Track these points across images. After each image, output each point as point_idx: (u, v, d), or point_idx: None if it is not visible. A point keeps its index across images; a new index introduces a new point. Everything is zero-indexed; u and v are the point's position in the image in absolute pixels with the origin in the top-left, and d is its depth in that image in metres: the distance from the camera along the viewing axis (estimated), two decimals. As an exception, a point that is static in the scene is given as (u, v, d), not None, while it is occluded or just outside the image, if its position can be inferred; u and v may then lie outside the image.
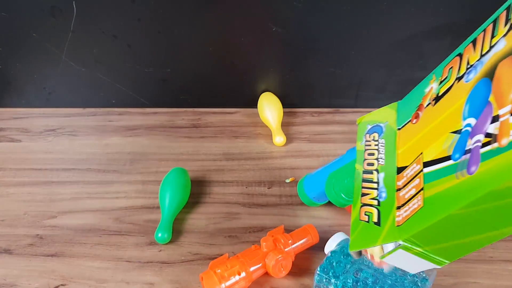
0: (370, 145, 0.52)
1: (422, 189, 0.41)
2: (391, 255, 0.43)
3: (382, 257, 0.43)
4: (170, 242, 0.61)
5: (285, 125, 0.81)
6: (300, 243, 0.58)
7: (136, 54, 0.79)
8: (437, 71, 0.51)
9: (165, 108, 0.86)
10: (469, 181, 0.37)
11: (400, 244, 0.41)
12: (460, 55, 0.46)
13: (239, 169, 0.73)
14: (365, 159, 0.51)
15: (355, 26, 0.75)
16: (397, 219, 0.42)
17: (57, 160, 0.75)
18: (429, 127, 0.46)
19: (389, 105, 0.57)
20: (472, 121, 0.39)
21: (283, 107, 0.82)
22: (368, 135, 0.54)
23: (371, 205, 0.46)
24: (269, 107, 0.81)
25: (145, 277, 0.57)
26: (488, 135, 0.36)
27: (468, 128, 0.40)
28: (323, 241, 0.58)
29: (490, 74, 0.39)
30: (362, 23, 0.75)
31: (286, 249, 0.56)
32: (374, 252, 0.47)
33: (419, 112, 0.49)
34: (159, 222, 0.63)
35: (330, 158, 0.73)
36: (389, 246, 0.43)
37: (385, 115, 0.55)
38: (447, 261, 0.42)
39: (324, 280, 0.52)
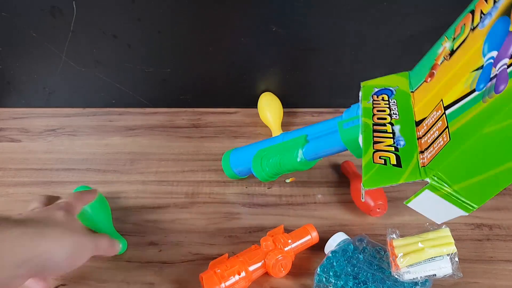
0: (379, 104, 0.51)
1: (446, 127, 0.40)
2: (416, 198, 0.40)
3: (407, 201, 0.42)
4: (170, 242, 0.61)
5: (285, 125, 0.81)
6: (300, 243, 0.58)
7: (136, 54, 0.79)
8: (448, 33, 0.50)
9: (165, 108, 0.86)
10: (498, 98, 0.35)
11: (427, 183, 0.39)
12: (472, 11, 0.46)
13: (239, 169, 0.73)
14: (375, 115, 0.50)
15: (355, 26, 0.75)
16: (421, 161, 0.41)
17: (57, 160, 0.75)
18: (447, 77, 0.44)
19: (398, 73, 0.56)
20: (493, 54, 0.38)
21: (283, 107, 0.82)
22: (375, 95, 0.53)
23: (387, 151, 0.44)
24: (269, 107, 0.81)
25: (145, 277, 0.57)
26: None
27: (491, 61, 0.38)
28: (323, 241, 0.58)
29: (507, 12, 0.39)
30: (362, 23, 0.75)
31: (286, 249, 0.56)
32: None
33: (433, 71, 0.48)
34: (159, 222, 0.63)
35: (330, 158, 0.73)
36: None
37: (395, 81, 0.55)
38: (475, 205, 0.40)
39: (324, 280, 0.52)
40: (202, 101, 0.86)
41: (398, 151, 0.44)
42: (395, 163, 0.43)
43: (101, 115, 0.85)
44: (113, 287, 0.55)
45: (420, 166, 0.40)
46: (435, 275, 0.49)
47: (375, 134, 0.47)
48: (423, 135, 0.43)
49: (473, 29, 0.45)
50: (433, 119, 0.43)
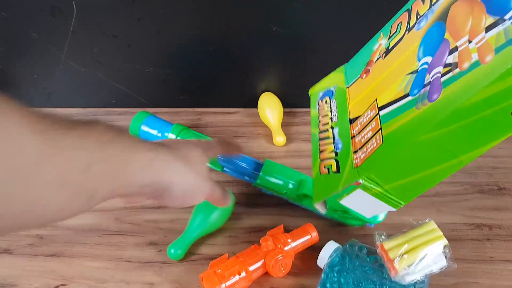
0: (323, 109, 0.51)
1: (380, 129, 0.40)
2: (349, 196, 0.42)
3: (340, 199, 0.43)
4: (170, 242, 0.61)
5: (285, 125, 0.81)
6: (300, 243, 0.58)
7: (136, 54, 0.79)
8: (384, 30, 0.50)
9: (165, 108, 0.86)
10: (431, 107, 0.36)
11: (360, 184, 0.40)
12: (409, 11, 0.47)
13: (239, 169, 0.72)
14: (320, 121, 0.50)
15: (355, 26, 0.75)
16: (355, 161, 0.42)
17: (57, 160, 0.75)
18: (382, 76, 0.45)
19: (336, 69, 0.56)
20: (428, 59, 0.39)
21: (283, 107, 0.82)
22: (320, 101, 0.53)
23: (329, 158, 0.45)
24: (269, 107, 0.81)
25: (145, 277, 0.57)
26: (447, 65, 0.36)
27: (425, 66, 0.39)
28: (323, 241, 0.58)
29: (442, 18, 0.40)
30: (362, 23, 0.75)
31: (286, 249, 0.56)
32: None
33: (369, 67, 0.49)
34: (159, 222, 0.63)
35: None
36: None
37: (334, 79, 0.55)
38: (402, 203, 0.42)
39: (330, 277, 0.52)
40: (202, 101, 0.86)
41: (337, 156, 0.44)
42: (335, 170, 0.43)
43: (101, 115, 0.85)
44: (113, 287, 0.56)
45: (354, 167, 0.41)
46: (432, 270, 0.49)
47: (321, 143, 0.48)
48: (357, 134, 0.43)
49: (409, 29, 0.45)
50: (367, 118, 0.43)
